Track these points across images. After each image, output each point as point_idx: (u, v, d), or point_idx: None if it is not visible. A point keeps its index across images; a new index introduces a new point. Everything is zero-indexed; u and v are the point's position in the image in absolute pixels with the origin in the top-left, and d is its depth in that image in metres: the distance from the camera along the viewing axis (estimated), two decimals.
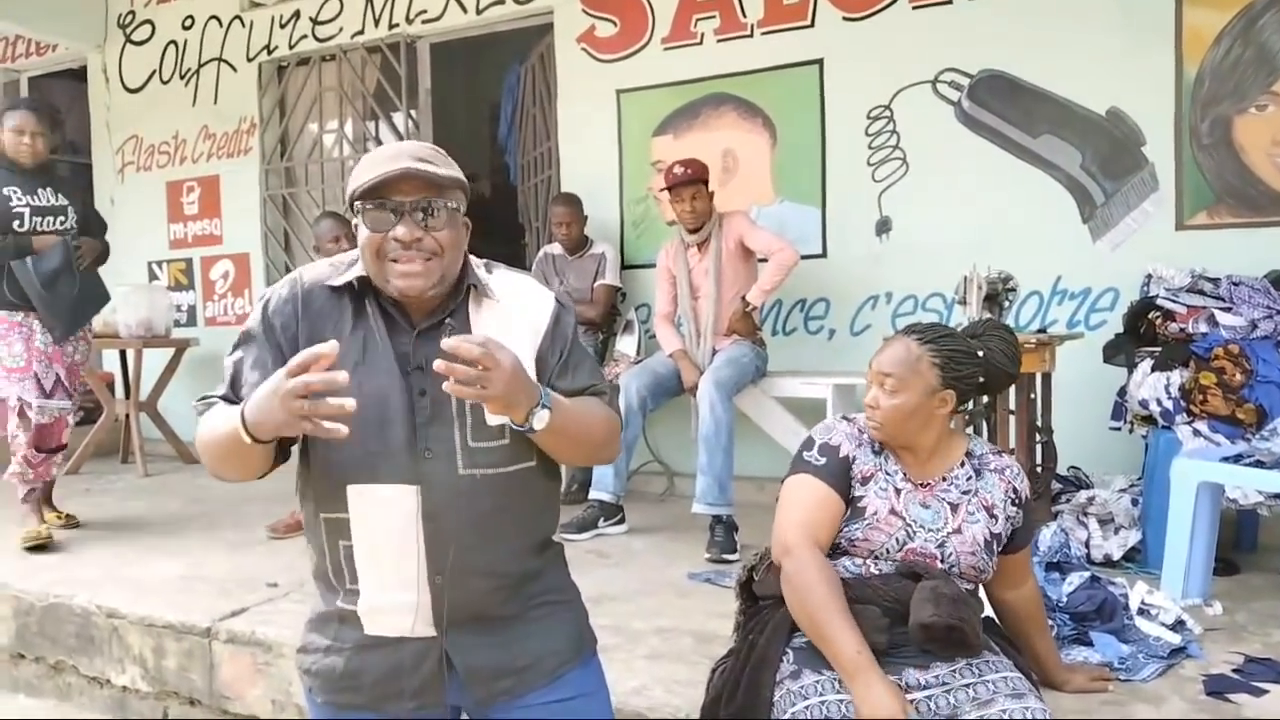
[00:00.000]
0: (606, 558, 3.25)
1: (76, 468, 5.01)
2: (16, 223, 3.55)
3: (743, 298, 3.62)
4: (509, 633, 1.37)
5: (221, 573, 3.08)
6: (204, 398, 1.37)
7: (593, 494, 3.58)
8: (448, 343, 1.16)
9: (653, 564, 3.16)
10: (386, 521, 1.30)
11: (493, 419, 1.30)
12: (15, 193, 3.57)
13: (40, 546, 3.40)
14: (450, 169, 1.33)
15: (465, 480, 1.30)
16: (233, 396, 1.34)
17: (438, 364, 1.16)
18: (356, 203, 1.31)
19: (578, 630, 1.48)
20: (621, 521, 3.60)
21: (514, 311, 1.39)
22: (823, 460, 1.70)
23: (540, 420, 1.25)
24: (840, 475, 1.68)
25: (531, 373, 1.34)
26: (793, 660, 1.58)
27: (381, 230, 1.29)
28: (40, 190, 3.64)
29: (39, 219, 3.60)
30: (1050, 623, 2.06)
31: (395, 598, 1.32)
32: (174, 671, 2.66)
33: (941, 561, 1.66)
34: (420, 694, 1.34)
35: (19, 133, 3.58)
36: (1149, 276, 3.32)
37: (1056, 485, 3.25)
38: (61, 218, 3.69)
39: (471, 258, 1.42)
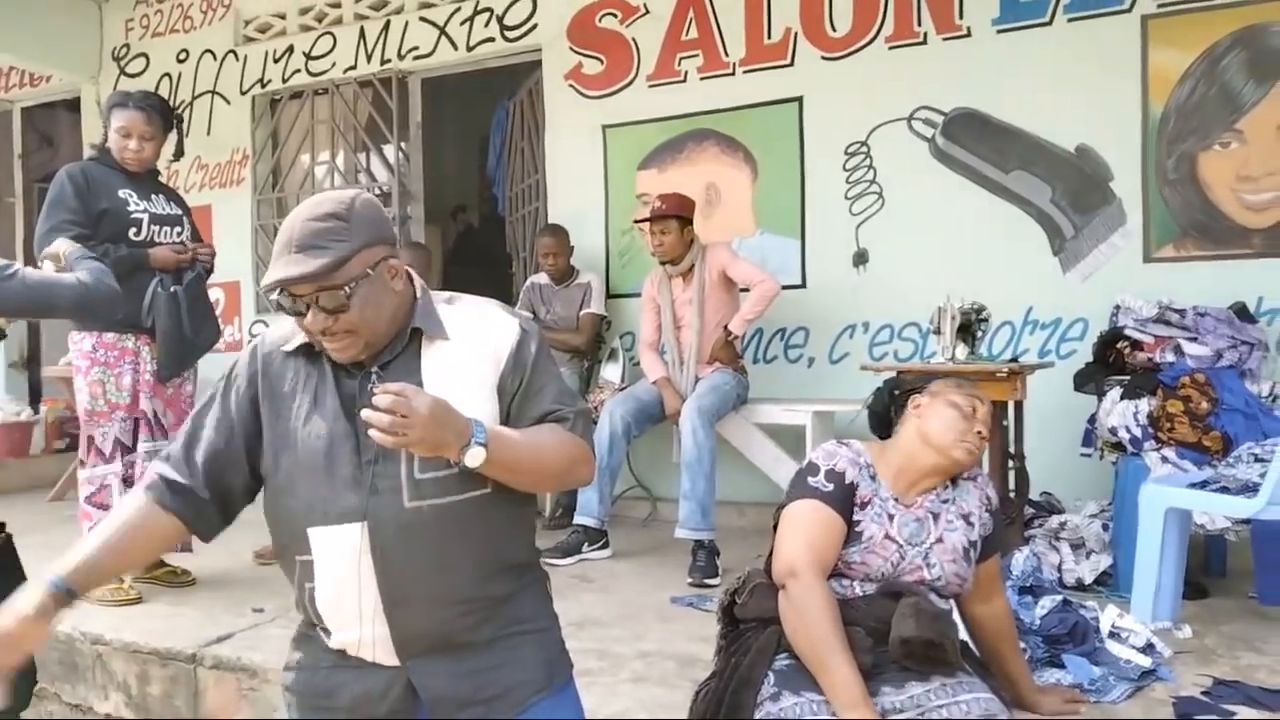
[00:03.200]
0: (591, 582, 3.28)
1: (61, 495, 5.00)
2: (134, 230, 3.08)
3: (725, 327, 3.69)
4: (476, 661, 1.38)
5: (208, 598, 3.09)
6: (167, 458, 1.45)
7: (577, 519, 3.62)
8: (374, 391, 1.21)
9: (636, 588, 3.19)
10: (340, 561, 1.33)
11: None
12: (131, 197, 3.10)
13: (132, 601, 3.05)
14: (337, 248, 1.30)
15: (410, 513, 1.32)
16: (183, 461, 1.43)
17: (363, 413, 1.20)
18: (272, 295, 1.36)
19: (550, 658, 1.47)
20: (605, 546, 3.63)
21: (468, 346, 1.40)
22: (829, 486, 1.73)
23: (474, 458, 1.24)
24: (844, 501, 1.72)
25: (491, 403, 1.37)
26: (773, 683, 1.61)
27: (297, 318, 1.35)
28: (154, 196, 3.20)
29: (156, 228, 3.14)
30: (1023, 645, 2.10)
31: (355, 633, 1.35)
32: (158, 698, 2.66)
33: (928, 572, 1.71)
34: (390, 717, 1.37)
35: (124, 135, 3.10)
36: (1117, 307, 3.41)
37: (1029, 510, 3.31)
38: (178, 229, 3.22)
39: (431, 293, 1.46)
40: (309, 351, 1.41)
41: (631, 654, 2.51)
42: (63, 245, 2.29)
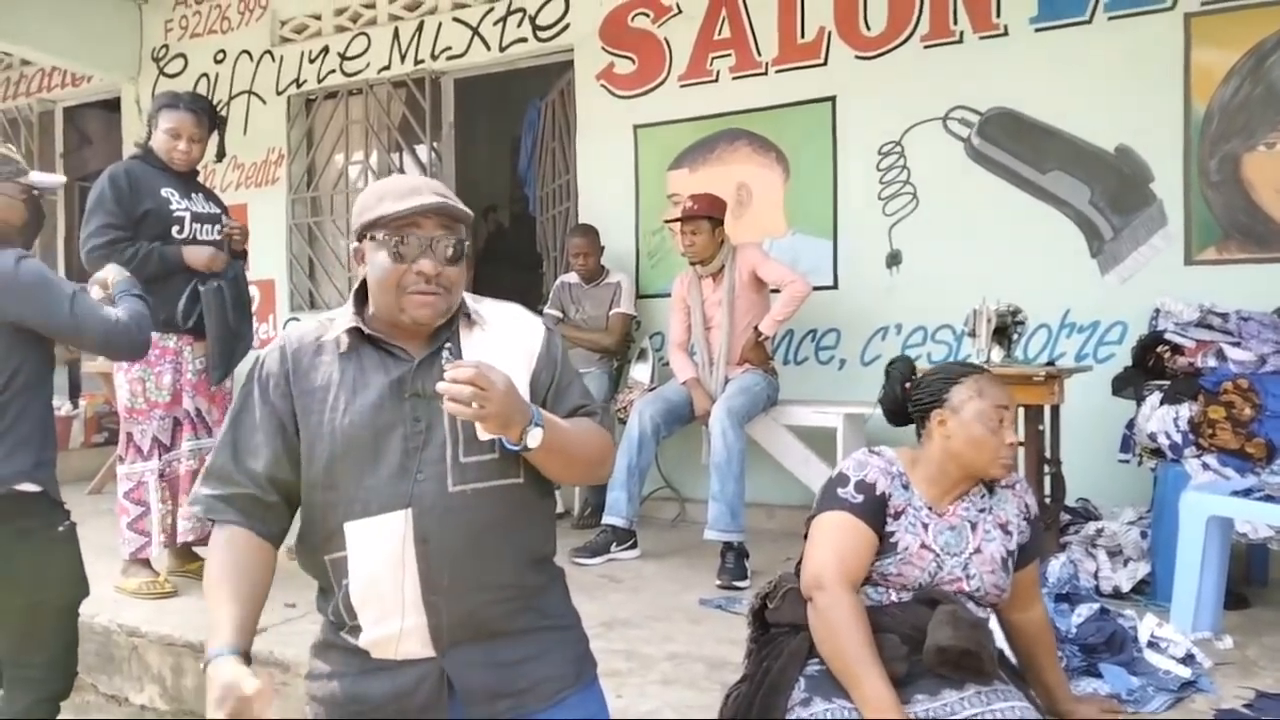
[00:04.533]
0: (619, 582, 3.28)
1: (99, 488, 5.10)
2: (176, 229, 3.10)
3: (755, 327, 3.68)
4: (508, 653, 1.39)
5: None
6: (209, 476, 1.42)
7: (605, 519, 3.62)
8: (448, 365, 1.25)
9: (665, 589, 3.19)
10: (381, 550, 1.34)
11: (485, 435, 1.34)
12: (173, 195, 3.12)
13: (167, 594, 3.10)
14: (462, 205, 1.40)
15: (456, 497, 1.34)
16: (233, 476, 1.40)
17: (439, 385, 1.24)
18: (377, 231, 1.37)
19: (577, 655, 1.49)
20: (634, 546, 3.63)
21: (504, 337, 1.45)
22: (860, 498, 1.69)
23: (534, 438, 1.29)
24: (876, 512, 1.69)
25: (525, 393, 1.39)
26: (804, 688, 1.60)
27: (405, 263, 1.35)
28: (194, 195, 3.22)
29: (198, 226, 3.16)
30: (1059, 654, 2.07)
31: (395, 625, 1.35)
32: (192, 691, 2.69)
33: (967, 583, 1.68)
34: (422, 713, 1.37)
35: (174, 136, 3.13)
36: (1157, 311, 3.35)
37: (1065, 517, 3.26)
38: (218, 226, 3.24)
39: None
40: (338, 347, 1.41)
41: (660, 655, 2.51)
42: (112, 273, 2.31)
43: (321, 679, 1.44)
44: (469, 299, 1.47)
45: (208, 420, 3.19)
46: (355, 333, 1.41)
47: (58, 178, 2.35)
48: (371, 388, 1.37)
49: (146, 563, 3.15)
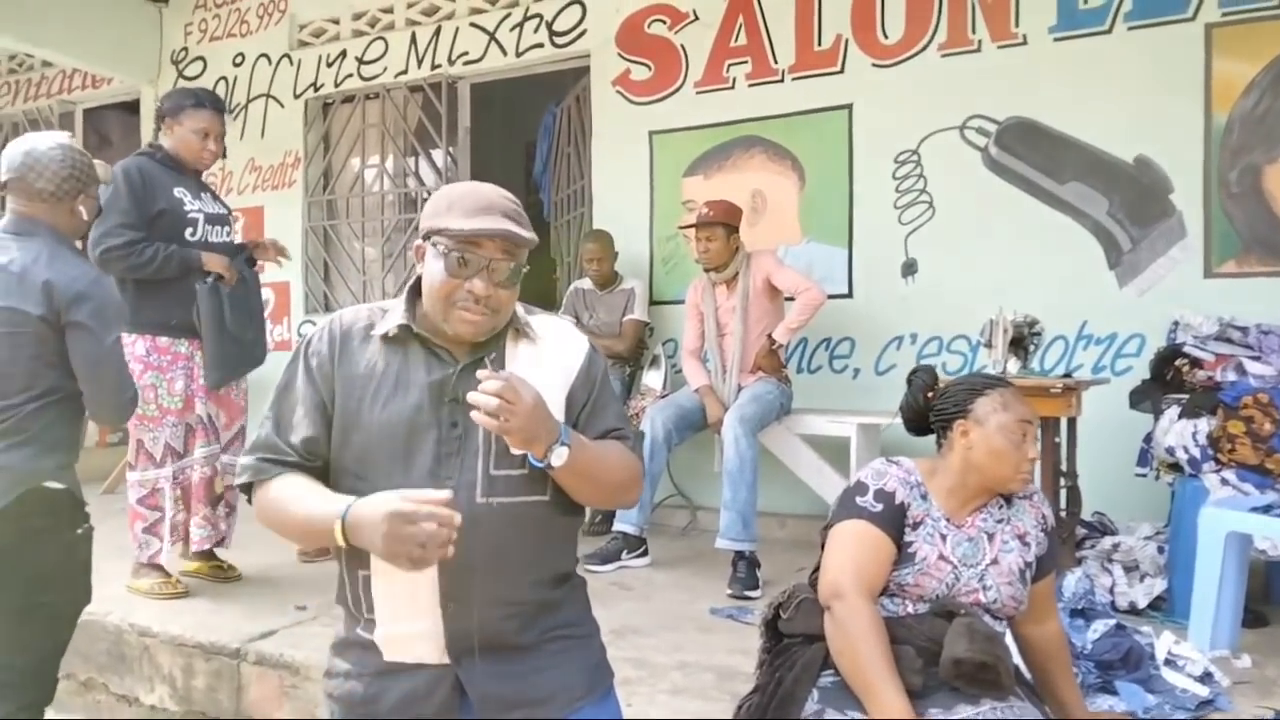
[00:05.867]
0: (629, 590, 3.27)
1: (113, 488, 5.12)
2: (189, 230, 3.02)
3: (769, 335, 3.66)
4: (523, 664, 1.39)
5: (251, 594, 3.14)
6: (253, 451, 1.41)
7: (616, 526, 3.61)
8: (481, 374, 1.25)
9: (675, 598, 3.17)
10: None
11: (516, 451, 1.34)
12: (185, 196, 3.04)
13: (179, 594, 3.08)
14: (530, 231, 1.40)
15: (482, 509, 1.34)
16: (279, 445, 1.39)
17: (470, 395, 1.24)
18: (439, 240, 1.36)
19: (593, 665, 1.49)
20: (645, 554, 3.62)
21: (548, 352, 1.46)
22: (879, 507, 1.69)
23: (559, 457, 1.30)
24: (895, 522, 1.68)
25: (560, 410, 1.39)
26: (817, 699, 1.59)
27: (459, 278, 1.35)
28: (203, 195, 3.14)
29: (209, 227, 3.09)
30: (1075, 670, 2.05)
31: (409, 626, 1.35)
32: (202, 691, 2.70)
33: (984, 595, 1.67)
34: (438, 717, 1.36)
35: (202, 135, 3.07)
36: (1176, 323, 3.32)
37: (1081, 531, 3.23)
38: (227, 228, 3.18)
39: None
40: (390, 339, 1.41)
41: (670, 664, 2.50)
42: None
43: (339, 678, 1.43)
44: (520, 310, 1.47)
45: (217, 425, 3.15)
46: (405, 329, 1.41)
47: (105, 166, 2.37)
48: (413, 386, 1.37)
49: (159, 565, 3.14)
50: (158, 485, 3.06)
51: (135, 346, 3.00)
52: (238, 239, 3.38)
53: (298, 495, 1.35)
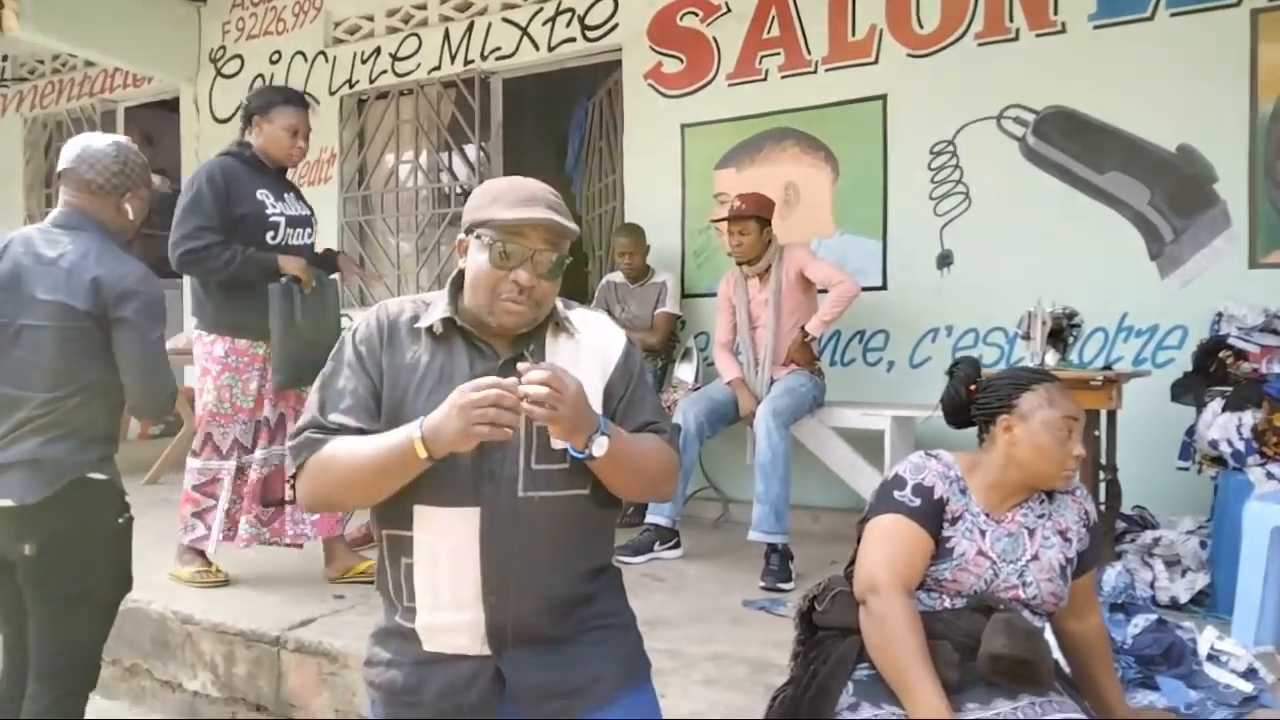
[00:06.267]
0: (662, 582, 3.28)
1: (156, 478, 5.23)
2: (271, 234, 3.01)
3: (802, 328, 3.64)
4: (562, 654, 1.40)
5: (292, 582, 3.18)
6: (299, 432, 1.41)
7: (649, 518, 3.62)
8: (523, 366, 1.26)
9: (707, 590, 3.17)
10: (447, 543, 1.35)
11: (556, 443, 1.34)
12: (268, 198, 3.02)
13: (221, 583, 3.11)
14: (571, 222, 1.41)
15: (524, 503, 1.35)
16: (325, 423, 1.39)
17: (522, 387, 1.24)
18: (483, 232, 1.38)
19: (631, 655, 1.49)
20: (677, 546, 3.62)
21: (586, 346, 1.47)
22: (917, 501, 1.67)
23: (600, 447, 1.30)
24: (933, 517, 1.66)
25: (598, 404, 1.40)
26: (853, 693, 1.59)
27: (503, 269, 1.36)
28: (286, 195, 3.12)
29: (291, 230, 3.07)
30: (1115, 665, 2.03)
31: (450, 617, 1.37)
32: (243, 678, 2.75)
33: (1024, 591, 1.65)
34: (476, 711, 1.37)
35: (292, 133, 3.05)
36: (1220, 315, 3.26)
37: (1121, 525, 3.19)
38: (309, 230, 3.14)
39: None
40: (432, 332, 1.43)
41: (703, 655, 2.50)
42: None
43: (380, 666, 1.45)
44: (560, 305, 1.49)
45: (286, 427, 3.13)
46: (448, 322, 1.42)
47: (164, 181, 2.39)
48: (457, 380, 1.36)
49: (201, 552, 3.16)
50: (219, 475, 3.08)
51: (214, 347, 3.04)
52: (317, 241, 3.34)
53: (360, 442, 1.35)
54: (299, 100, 3.15)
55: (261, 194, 3.03)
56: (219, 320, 3.04)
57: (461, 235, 1.44)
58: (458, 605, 1.36)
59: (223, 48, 6.16)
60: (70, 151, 2.07)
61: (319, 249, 3.33)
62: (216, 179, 2.98)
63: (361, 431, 1.38)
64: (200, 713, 2.84)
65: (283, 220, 3.06)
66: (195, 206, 2.95)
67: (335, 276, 3.31)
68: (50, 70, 6.93)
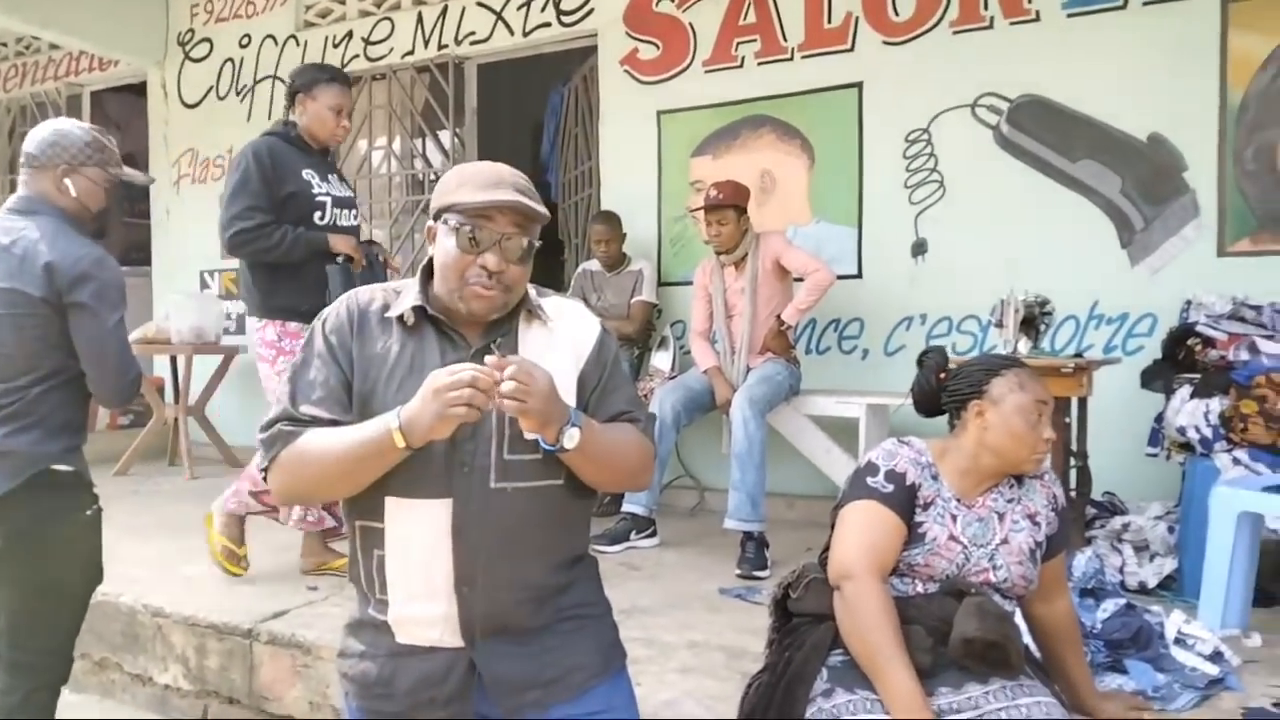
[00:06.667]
0: (638, 570, 3.28)
1: (125, 469, 5.16)
2: (318, 214, 2.96)
3: (777, 316, 3.65)
4: (536, 644, 1.39)
5: (264, 575, 3.15)
6: (271, 425, 1.39)
7: (625, 507, 3.62)
8: (490, 360, 1.24)
9: (684, 578, 3.18)
10: (418, 534, 1.34)
11: (529, 435, 1.33)
12: (314, 179, 2.98)
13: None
14: (541, 205, 1.39)
15: (496, 494, 1.34)
16: (297, 415, 1.38)
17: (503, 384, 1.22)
18: (450, 216, 1.36)
19: (606, 644, 1.49)
20: (653, 535, 3.63)
21: (559, 334, 1.45)
22: (890, 487, 1.68)
23: (571, 439, 1.29)
24: (905, 502, 1.67)
25: (572, 393, 1.39)
26: (827, 678, 1.60)
27: (471, 253, 1.35)
28: (330, 176, 3.07)
29: (338, 211, 3.02)
30: (1084, 649, 2.05)
31: (423, 608, 1.35)
32: (215, 671, 2.72)
33: (994, 574, 1.66)
34: (451, 703, 1.36)
35: (337, 112, 3.00)
36: (1189, 303, 3.30)
37: (1090, 511, 3.23)
38: (354, 211, 3.09)
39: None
40: (404, 321, 1.41)
41: (679, 644, 2.50)
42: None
43: (353, 658, 1.44)
44: (533, 292, 1.47)
45: None
46: (419, 311, 1.41)
47: (146, 176, 2.34)
48: (428, 370, 1.34)
49: (240, 527, 3.08)
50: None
51: (265, 332, 2.97)
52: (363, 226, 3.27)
53: (335, 434, 1.33)
54: (343, 78, 3.09)
55: (307, 174, 2.98)
56: (266, 304, 2.97)
57: (430, 222, 1.42)
58: (430, 597, 1.35)
59: (191, 30, 6.06)
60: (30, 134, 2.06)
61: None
62: (264, 158, 2.92)
63: (334, 423, 1.36)
64: (171, 706, 2.81)
65: (329, 200, 3.00)
66: (244, 186, 2.89)
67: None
68: (14, 53, 6.78)
